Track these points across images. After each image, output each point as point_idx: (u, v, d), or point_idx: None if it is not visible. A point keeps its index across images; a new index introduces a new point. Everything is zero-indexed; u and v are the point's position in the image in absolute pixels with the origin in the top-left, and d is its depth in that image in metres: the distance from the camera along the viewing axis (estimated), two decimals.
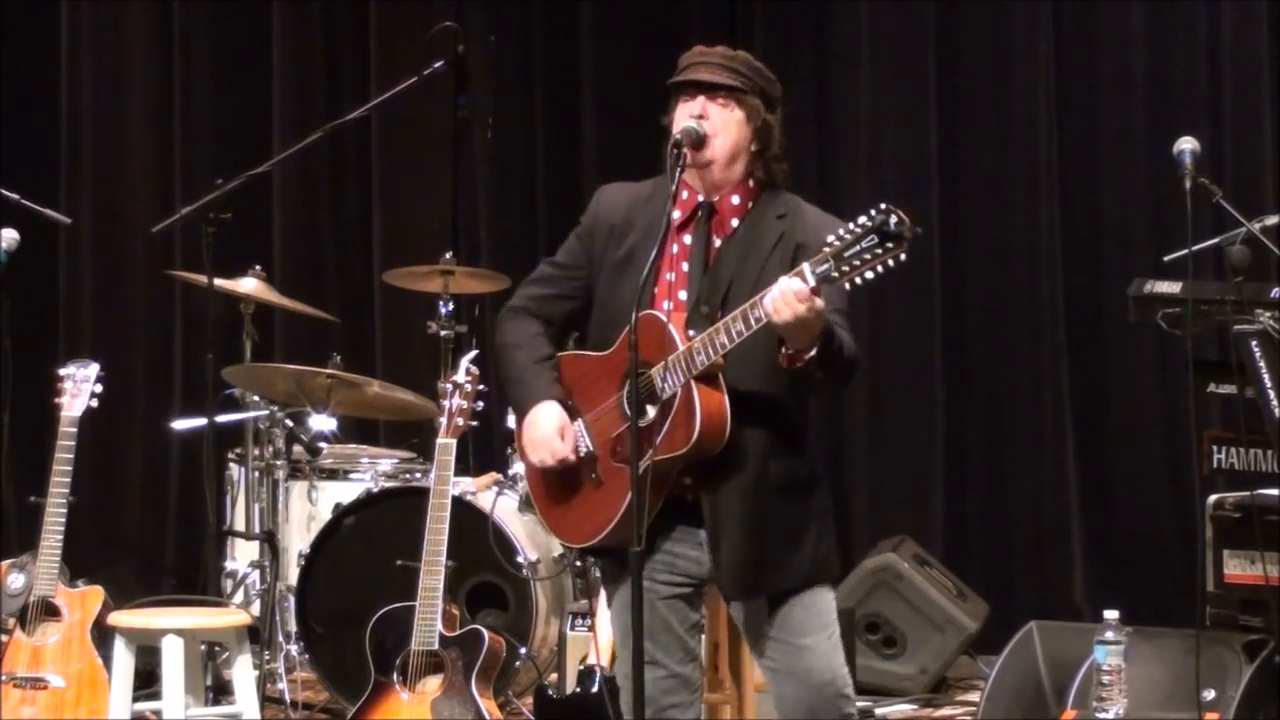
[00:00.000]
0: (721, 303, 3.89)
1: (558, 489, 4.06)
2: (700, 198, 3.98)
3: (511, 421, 6.42)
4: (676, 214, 3.96)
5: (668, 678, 4.03)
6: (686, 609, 4.06)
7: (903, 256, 3.60)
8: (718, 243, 3.97)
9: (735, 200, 3.99)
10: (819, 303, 3.67)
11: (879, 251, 3.59)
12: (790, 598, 3.97)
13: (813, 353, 3.73)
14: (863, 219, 3.62)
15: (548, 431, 4.00)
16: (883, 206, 3.62)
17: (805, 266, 3.66)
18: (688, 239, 3.98)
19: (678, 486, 3.93)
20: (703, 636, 4.42)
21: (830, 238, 3.65)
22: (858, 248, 3.61)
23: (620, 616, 4.03)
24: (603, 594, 5.40)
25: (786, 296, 3.65)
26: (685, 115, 3.94)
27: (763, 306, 3.70)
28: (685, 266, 3.96)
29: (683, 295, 3.95)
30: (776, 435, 3.93)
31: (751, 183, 4.00)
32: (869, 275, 3.63)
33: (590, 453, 3.99)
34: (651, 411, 3.86)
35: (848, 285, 3.66)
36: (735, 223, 3.98)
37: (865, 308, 7.26)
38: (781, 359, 3.77)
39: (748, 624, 4.03)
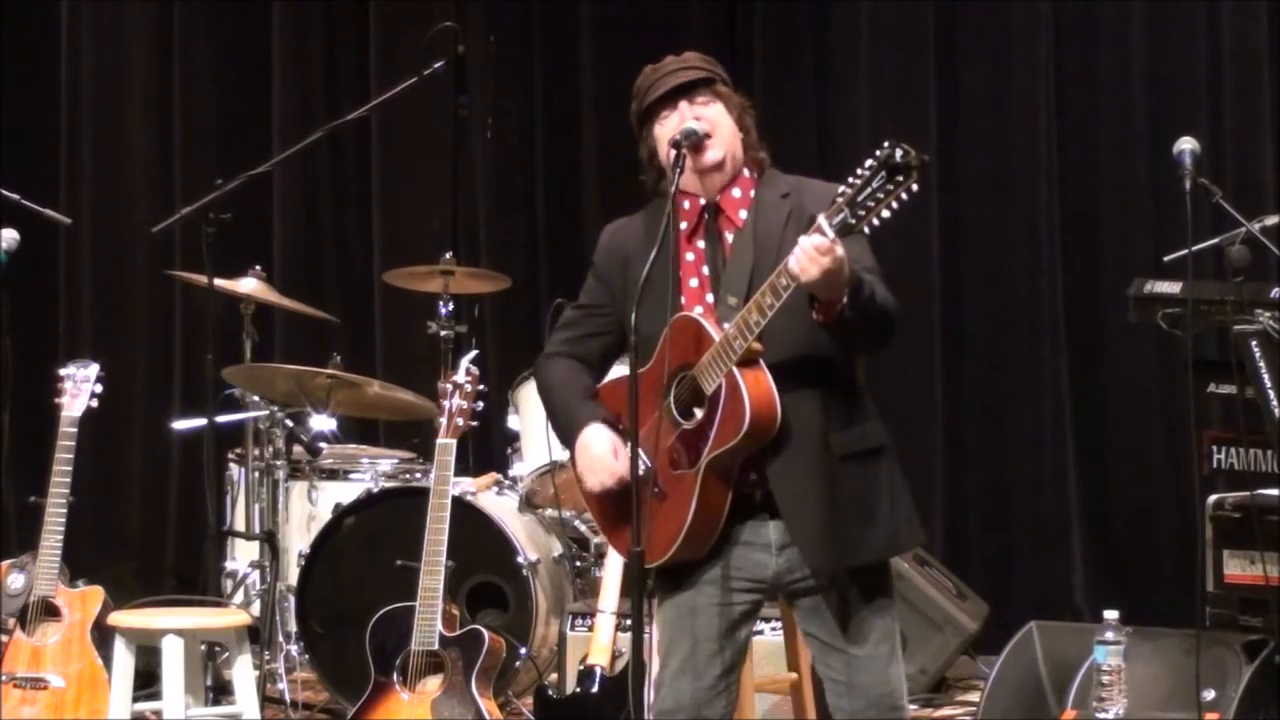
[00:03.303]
0: (747, 292, 3.83)
1: (621, 510, 3.95)
2: (702, 201, 3.95)
3: (512, 421, 6.47)
4: (683, 224, 3.93)
5: (707, 689, 3.94)
6: (742, 622, 3.96)
7: (915, 187, 3.55)
8: (730, 238, 3.94)
9: (737, 193, 3.96)
10: (840, 250, 3.61)
11: (890, 187, 3.55)
12: (854, 589, 3.88)
13: (844, 301, 3.68)
14: (869, 161, 3.58)
15: (600, 451, 3.94)
16: (886, 143, 3.58)
17: (822, 219, 3.60)
18: (701, 244, 3.95)
19: (744, 484, 3.87)
20: None
21: (841, 188, 3.61)
22: (869, 189, 3.56)
23: (667, 630, 3.95)
24: (604, 595, 5.42)
25: (809, 253, 3.59)
26: (674, 126, 3.90)
27: (788, 270, 3.64)
28: (705, 270, 3.93)
29: (710, 299, 3.91)
30: (830, 408, 3.86)
31: (747, 172, 3.98)
32: (885, 214, 3.57)
33: (649, 468, 3.90)
34: (699, 412, 3.80)
35: (866, 229, 3.60)
36: (743, 214, 3.94)
37: None
38: (815, 316, 3.72)
39: (812, 629, 3.96)
